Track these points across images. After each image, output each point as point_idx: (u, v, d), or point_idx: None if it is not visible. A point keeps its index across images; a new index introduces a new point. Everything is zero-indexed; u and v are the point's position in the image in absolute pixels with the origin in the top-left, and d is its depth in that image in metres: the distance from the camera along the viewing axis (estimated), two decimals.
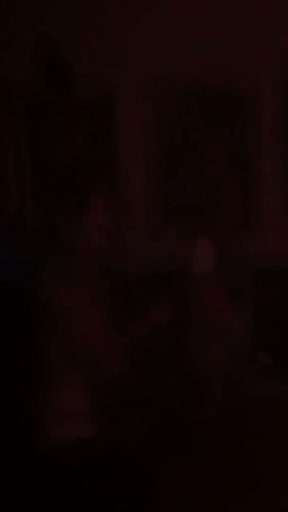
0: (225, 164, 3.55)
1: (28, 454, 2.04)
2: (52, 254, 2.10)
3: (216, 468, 2.41)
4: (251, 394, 2.86)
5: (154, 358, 2.57)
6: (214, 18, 3.48)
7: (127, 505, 1.92)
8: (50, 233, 2.16)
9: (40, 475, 1.99)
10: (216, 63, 3.48)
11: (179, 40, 3.51)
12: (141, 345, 2.15)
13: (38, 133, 3.81)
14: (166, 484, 2.00)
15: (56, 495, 1.95)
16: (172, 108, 3.65)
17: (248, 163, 3.58)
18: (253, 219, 3.56)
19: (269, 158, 3.56)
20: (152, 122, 3.69)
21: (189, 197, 3.62)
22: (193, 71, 3.49)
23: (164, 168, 3.72)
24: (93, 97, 3.70)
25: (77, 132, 3.73)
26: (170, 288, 2.74)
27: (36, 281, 2.03)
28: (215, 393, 2.77)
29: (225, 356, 2.84)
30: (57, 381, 2.02)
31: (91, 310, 2.02)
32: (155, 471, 2.00)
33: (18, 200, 3.85)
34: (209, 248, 3.01)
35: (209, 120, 3.62)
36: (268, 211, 3.57)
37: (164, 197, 3.73)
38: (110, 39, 3.62)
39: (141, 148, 3.71)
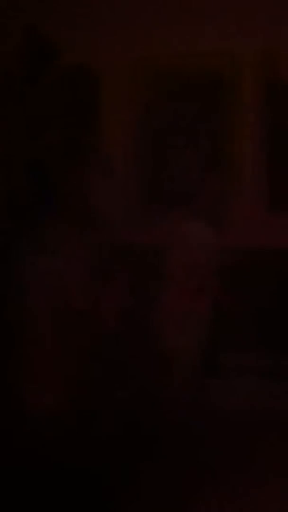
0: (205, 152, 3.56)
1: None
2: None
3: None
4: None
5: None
6: (199, 9, 3.44)
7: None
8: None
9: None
10: (198, 52, 3.48)
11: (164, 26, 3.50)
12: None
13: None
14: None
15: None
16: (156, 93, 3.61)
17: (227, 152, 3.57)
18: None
19: (249, 146, 3.55)
20: (136, 108, 3.65)
21: (171, 184, 3.63)
22: (176, 56, 3.46)
23: (147, 154, 3.69)
24: (79, 77, 3.67)
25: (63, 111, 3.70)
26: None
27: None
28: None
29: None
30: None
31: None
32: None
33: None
34: (189, 235, 3.05)
35: (192, 107, 3.58)
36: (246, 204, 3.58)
37: (146, 182, 3.72)
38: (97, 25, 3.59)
39: (124, 131, 3.67)
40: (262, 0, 3.43)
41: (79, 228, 2.27)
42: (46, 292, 2.10)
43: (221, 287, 3.04)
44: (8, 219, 2.75)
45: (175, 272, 3.02)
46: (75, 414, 2.03)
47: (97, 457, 2.06)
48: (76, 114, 3.67)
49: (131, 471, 2.21)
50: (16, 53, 3.50)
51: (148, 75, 3.63)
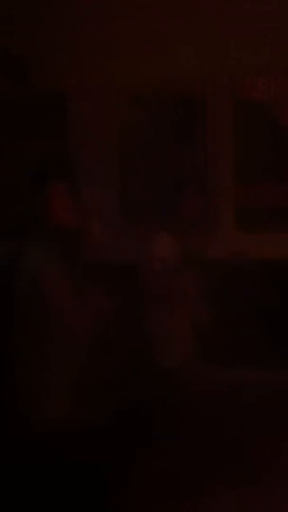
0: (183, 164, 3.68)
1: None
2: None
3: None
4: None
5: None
6: (173, 30, 3.61)
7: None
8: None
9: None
10: (174, 70, 3.62)
11: (140, 45, 3.64)
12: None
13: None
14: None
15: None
16: (131, 109, 3.72)
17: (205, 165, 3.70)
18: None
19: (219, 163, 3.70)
20: (110, 122, 3.74)
21: (150, 195, 3.72)
22: (151, 75, 3.61)
23: (127, 166, 3.78)
24: (51, 95, 3.78)
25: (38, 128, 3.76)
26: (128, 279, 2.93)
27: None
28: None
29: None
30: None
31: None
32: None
33: None
34: (167, 244, 3.17)
35: (167, 122, 3.70)
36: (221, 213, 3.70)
37: (127, 194, 3.80)
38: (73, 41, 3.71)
39: (101, 147, 3.77)
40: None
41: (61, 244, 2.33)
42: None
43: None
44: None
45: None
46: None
47: (97, 447, 2.08)
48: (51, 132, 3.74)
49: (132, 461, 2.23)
50: None
51: (126, 96, 3.74)
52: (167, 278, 3.14)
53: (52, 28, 3.72)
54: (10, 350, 2.21)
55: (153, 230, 3.28)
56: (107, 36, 3.69)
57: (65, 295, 2.20)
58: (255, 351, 3.30)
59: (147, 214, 3.69)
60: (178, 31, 3.62)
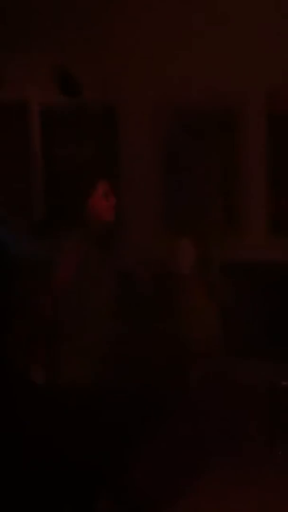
0: (212, 177, 3.99)
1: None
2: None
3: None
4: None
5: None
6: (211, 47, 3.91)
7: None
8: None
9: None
10: (210, 88, 3.92)
11: (180, 63, 3.97)
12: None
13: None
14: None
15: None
16: (169, 124, 4.06)
17: (234, 178, 3.99)
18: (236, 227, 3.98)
19: (253, 173, 3.96)
20: (151, 136, 4.12)
21: (181, 204, 4.06)
22: (189, 93, 3.94)
23: (161, 178, 4.15)
24: (100, 110, 4.22)
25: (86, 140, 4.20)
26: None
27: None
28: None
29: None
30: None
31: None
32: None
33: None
34: (190, 249, 3.51)
35: (201, 136, 4.02)
36: (249, 221, 3.97)
37: (160, 204, 4.18)
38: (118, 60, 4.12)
39: (140, 158, 4.14)
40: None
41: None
42: None
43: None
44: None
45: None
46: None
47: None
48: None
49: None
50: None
51: (166, 111, 4.09)
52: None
53: (104, 48, 4.13)
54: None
55: (182, 237, 3.61)
56: (152, 54, 4.04)
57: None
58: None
59: (185, 220, 4.03)
60: (216, 46, 3.90)
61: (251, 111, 3.90)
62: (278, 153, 3.91)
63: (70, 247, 2.58)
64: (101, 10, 4.14)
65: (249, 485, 2.87)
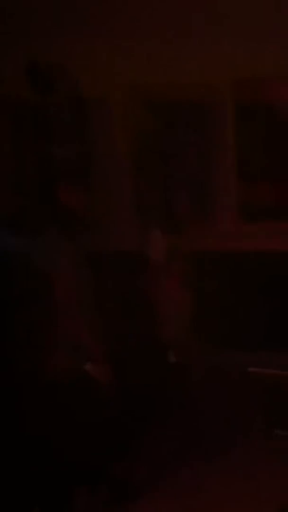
0: (183, 167, 4.04)
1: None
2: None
3: None
4: None
5: None
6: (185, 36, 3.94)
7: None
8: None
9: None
10: (183, 75, 3.93)
11: (151, 53, 3.98)
12: None
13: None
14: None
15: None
16: (142, 112, 4.09)
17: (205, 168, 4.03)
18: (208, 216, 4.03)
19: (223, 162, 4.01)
20: (122, 128, 4.15)
21: (152, 195, 4.10)
22: (162, 80, 3.96)
23: (132, 169, 4.19)
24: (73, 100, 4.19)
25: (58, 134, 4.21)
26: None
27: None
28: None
29: None
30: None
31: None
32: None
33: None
34: (162, 240, 3.57)
35: (172, 127, 4.07)
36: (221, 210, 4.03)
37: (131, 195, 4.22)
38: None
39: (112, 150, 4.16)
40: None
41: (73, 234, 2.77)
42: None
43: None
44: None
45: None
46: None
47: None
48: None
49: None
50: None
51: (141, 102, 4.11)
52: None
53: (75, 39, 4.12)
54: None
55: (151, 228, 3.67)
56: (122, 46, 4.05)
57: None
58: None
59: (155, 212, 4.07)
60: (183, 39, 3.92)
61: (220, 102, 3.95)
62: (247, 142, 3.97)
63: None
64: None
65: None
